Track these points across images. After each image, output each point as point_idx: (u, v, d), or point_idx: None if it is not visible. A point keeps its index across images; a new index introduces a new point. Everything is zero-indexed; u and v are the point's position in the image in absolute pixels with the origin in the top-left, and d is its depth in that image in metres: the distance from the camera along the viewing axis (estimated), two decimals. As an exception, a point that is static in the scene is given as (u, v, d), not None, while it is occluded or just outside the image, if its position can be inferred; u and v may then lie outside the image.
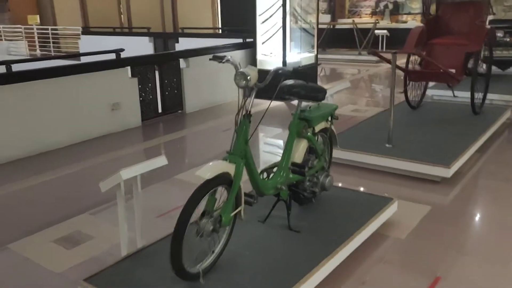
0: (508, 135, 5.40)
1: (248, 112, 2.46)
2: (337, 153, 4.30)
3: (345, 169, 4.36)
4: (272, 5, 7.47)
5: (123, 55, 6.02)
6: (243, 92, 2.46)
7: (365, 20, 14.41)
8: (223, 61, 2.53)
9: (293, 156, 2.88)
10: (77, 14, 14.05)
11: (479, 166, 4.42)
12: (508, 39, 6.99)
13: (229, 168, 2.33)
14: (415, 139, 4.66)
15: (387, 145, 4.41)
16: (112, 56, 5.92)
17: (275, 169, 2.89)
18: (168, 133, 6.11)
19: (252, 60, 7.71)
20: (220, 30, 10.58)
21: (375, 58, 11.46)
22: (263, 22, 7.60)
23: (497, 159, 4.66)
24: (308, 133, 2.95)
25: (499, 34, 7.06)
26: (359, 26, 12.54)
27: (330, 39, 13.41)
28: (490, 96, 6.48)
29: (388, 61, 4.41)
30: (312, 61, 8.10)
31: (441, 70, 4.93)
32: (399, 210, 3.33)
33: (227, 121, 6.44)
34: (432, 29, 5.63)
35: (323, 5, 16.19)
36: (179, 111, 6.79)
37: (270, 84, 2.47)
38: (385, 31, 11.71)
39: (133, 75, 6.04)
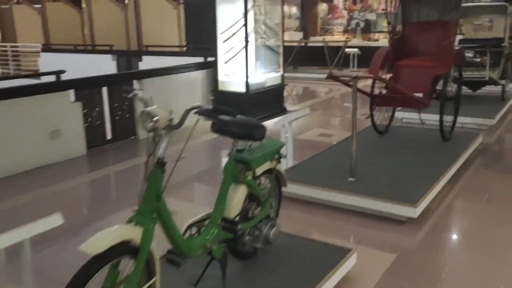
0: (481, 162, 5.06)
1: (160, 160, 1.98)
2: (294, 188, 3.85)
3: (303, 206, 3.90)
4: (235, 23, 7.07)
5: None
6: (152, 136, 1.99)
7: (336, 38, 14.21)
8: (130, 95, 2.06)
9: (228, 206, 2.40)
10: (39, 31, 13.43)
11: (450, 201, 4.02)
12: (478, 60, 6.74)
13: (133, 233, 1.84)
14: (381, 170, 4.25)
15: (349, 179, 3.99)
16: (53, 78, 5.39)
17: (207, 222, 2.41)
18: (119, 162, 5.57)
19: (213, 81, 7.27)
20: (186, 48, 10.14)
21: (346, 76, 11.19)
22: (224, 40, 7.19)
23: (468, 191, 4.29)
24: (247, 178, 2.49)
25: (469, 54, 6.81)
26: (330, 44, 12.30)
27: (301, 57, 13.13)
28: (461, 119, 6.17)
29: (349, 86, 4.01)
30: (279, 81, 7.70)
31: (407, 95, 4.57)
32: (360, 261, 2.87)
33: (186, 147, 5.95)
34: (398, 50, 5.30)
35: (295, 23, 15.98)
36: (133, 137, 6.26)
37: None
38: (356, 50, 11.47)
39: (77, 99, 5.50)
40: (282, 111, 7.76)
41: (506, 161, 5.10)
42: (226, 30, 7.16)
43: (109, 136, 5.94)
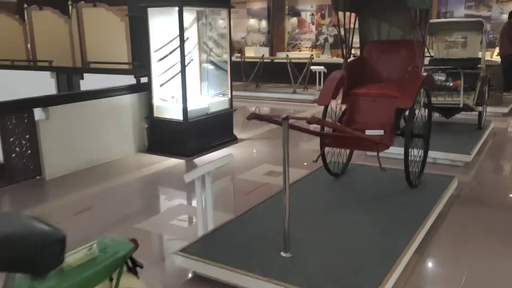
0: (457, 216, 4.06)
1: None
2: (205, 269, 2.80)
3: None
4: (174, 38, 6.02)
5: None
6: None
7: (301, 54, 13.33)
8: None
9: None
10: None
11: (415, 283, 3.01)
12: (451, 84, 5.86)
13: None
14: (327, 238, 3.22)
15: (282, 254, 2.95)
16: None
17: None
18: (17, 209, 4.42)
19: (147, 107, 6.18)
20: (132, 65, 9.04)
21: (313, 95, 10.27)
22: (160, 59, 6.13)
23: (441, 265, 3.29)
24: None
25: (441, 77, 5.93)
26: (294, 60, 11.38)
27: (267, 74, 12.19)
28: (433, 153, 5.26)
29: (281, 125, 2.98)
30: (226, 105, 6.67)
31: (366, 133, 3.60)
32: None
33: (108, 188, 4.84)
34: (355, 75, 4.34)
35: (261, 37, 15.08)
36: (37, 177, 5.10)
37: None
38: (322, 67, 10.56)
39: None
40: (232, 139, 6.72)
41: (487, 213, 4.14)
42: (162, 47, 6.10)
43: (2, 177, 4.77)
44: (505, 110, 8.13)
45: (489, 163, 5.56)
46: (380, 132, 3.93)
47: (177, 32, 5.99)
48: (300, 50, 14.09)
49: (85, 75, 9.45)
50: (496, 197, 4.48)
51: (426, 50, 4.26)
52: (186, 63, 6.38)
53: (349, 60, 4.41)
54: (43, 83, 9.79)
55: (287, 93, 10.92)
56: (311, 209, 3.72)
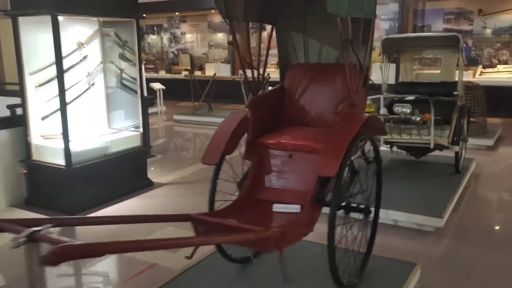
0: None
1: None
2: None
3: None
4: (63, 57, 4.57)
5: None
6: None
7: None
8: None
9: None
10: None
11: None
12: (419, 118, 4.47)
13: None
14: None
15: None
16: None
17: None
18: None
19: (24, 146, 4.68)
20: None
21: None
22: (40, 84, 4.68)
23: None
24: None
25: (405, 109, 4.55)
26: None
27: (224, 95, 10.81)
28: (392, 214, 3.88)
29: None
30: (137, 143, 5.21)
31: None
32: None
33: None
34: (267, 116, 2.94)
35: (223, 53, 13.72)
36: None
37: None
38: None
39: None
40: (145, 185, 5.25)
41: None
42: (44, 68, 4.66)
43: None
44: (490, 142, 6.78)
45: (469, 227, 4.13)
46: (295, 208, 2.51)
47: (70, 49, 4.59)
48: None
49: (-2, 97, 7.96)
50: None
51: (367, 79, 2.84)
52: (84, 88, 5.00)
53: (260, 92, 3.00)
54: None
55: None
56: None
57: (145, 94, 11.34)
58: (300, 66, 3.13)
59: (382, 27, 11.35)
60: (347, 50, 2.50)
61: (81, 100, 5.02)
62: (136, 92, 5.30)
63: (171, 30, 14.87)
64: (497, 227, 4.14)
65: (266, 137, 2.82)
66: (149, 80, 11.18)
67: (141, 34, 15.63)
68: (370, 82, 3.15)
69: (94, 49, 5.13)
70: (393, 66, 5.60)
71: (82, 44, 5.00)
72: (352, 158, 2.62)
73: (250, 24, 3.10)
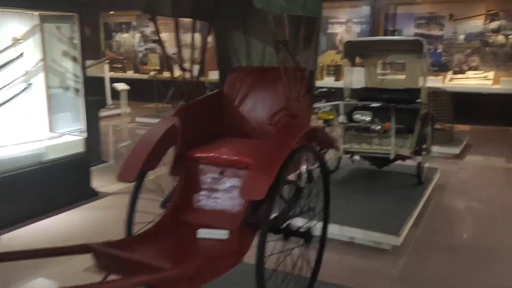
0: None
1: None
2: None
3: None
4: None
5: None
6: None
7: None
8: None
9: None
10: None
11: None
12: (379, 126, 4.20)
13: None
14: None
15: None
16: None
17: None
18: None
19: None
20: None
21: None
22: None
23: None
24: None
25: (365, 117, 4.28)
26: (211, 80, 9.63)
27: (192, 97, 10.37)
28: (349, 231, 3.62)
29: None
30: (80, 148, 4.79)
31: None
32: None
33: None
34: (200, 126, 2.60)
35: (195, 54, 13.27)
36: None
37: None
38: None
39: None
40: (88, 196, 4.83)
41: None
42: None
43: None
44: (456, 150, 6.60)
45: (429, 244, 3.87)
46: (222, 234, 2.17)
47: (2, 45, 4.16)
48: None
49: None
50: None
51: (309, 86, 2.53)
52: (20, 88, 4.57)
53: (196, 98, 2.66)
54: None
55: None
56: None
57: (108, 95, 11.00)
58: (241, 70, 2.81)
59: (354, 31, 11.18)
60: (282, 52, 2.18)
61: (16, 102, 4.59)
62: (84, 92, 4.88)
63: (140, 28, 14.38)
64: (459, 242, 3.90)
65: (197, 150, 2.48)
66: (115, 80, 10.71)
67: (109, 32, 15.18)
68: (333, 90, 2.87)
69: (32, 46, 4.70)
70: (361, 70, 5.36)
71: (18, 40, 4.57)
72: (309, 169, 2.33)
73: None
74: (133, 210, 2.34)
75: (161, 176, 2.62)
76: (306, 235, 2.40)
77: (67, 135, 4.86)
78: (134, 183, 2.33)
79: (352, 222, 3.71)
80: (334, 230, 3.66)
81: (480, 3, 9.92)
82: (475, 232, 4.14)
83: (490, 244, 3.80)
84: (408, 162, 4.97)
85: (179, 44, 2.60)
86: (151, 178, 2.50)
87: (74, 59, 4.89)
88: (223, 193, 2.34)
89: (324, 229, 2.78)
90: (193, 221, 2.31)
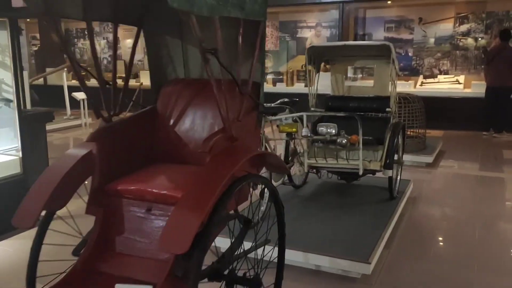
0: None
1: None
2: None
3: None
4: None
5: None
6: None
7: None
8: None
9: None
10: None
11: None
12: (345, 140, 3.83)
13: None
14: None
15: None
16: None
17: None
18: None
19: None
20: None
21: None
22: None
23: None
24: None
25: (330, 129, 3.91)
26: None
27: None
28: (314, 259, 3.24)
29: None
30: (16, 169, 4.26)
31: None
32: None
33: None
34: (127, 150, 2.16)
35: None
36: None
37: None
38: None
39: None
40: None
41: None
42: None
43: None
44: (429, 159, 6.32)
45: (403, 268, 3.52)
46: (147, 289, 1.74)
47: None
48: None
49: None
50: None
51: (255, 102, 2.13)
52: None
53: (119, 117, 2.22)
54: None
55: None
56: None
57: (67, 104, 10.39)
58: (177, 83, 2.38)
59: (324, 35, 10.91)
60: (210, 63, 1.77)
61: None
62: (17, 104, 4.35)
63: (104, 34, 13.79)
64: (433, 264, 3.55)
65: (120, 181, 2.03)
66: (77, 89, 10.11)
67: (70, 39, 14.49)
68: (296, 99, 2.43)
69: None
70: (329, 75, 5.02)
71: None
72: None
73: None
74: (35, 262, 1.88)
75: (78, 213, 2.17)
76: (252, 283, 1.99)
77: (1, 155, 4.33)
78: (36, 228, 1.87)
79: (317, 248, 3.32)
80: (298, 257, 3.27)
81: (449, 6, 9.79)
82: (451, 249, 3.81)
83: (466, 262, 3.48)
84: (379, 175, 4.64)
85: (94, 52, 2.14)
86: (63, 216, 2.06)
87: (6, 67, 4.37)
88: (149, 235, 1.91)
89: (280, 266, 2.37)
90: (110, 272, 1.87)
